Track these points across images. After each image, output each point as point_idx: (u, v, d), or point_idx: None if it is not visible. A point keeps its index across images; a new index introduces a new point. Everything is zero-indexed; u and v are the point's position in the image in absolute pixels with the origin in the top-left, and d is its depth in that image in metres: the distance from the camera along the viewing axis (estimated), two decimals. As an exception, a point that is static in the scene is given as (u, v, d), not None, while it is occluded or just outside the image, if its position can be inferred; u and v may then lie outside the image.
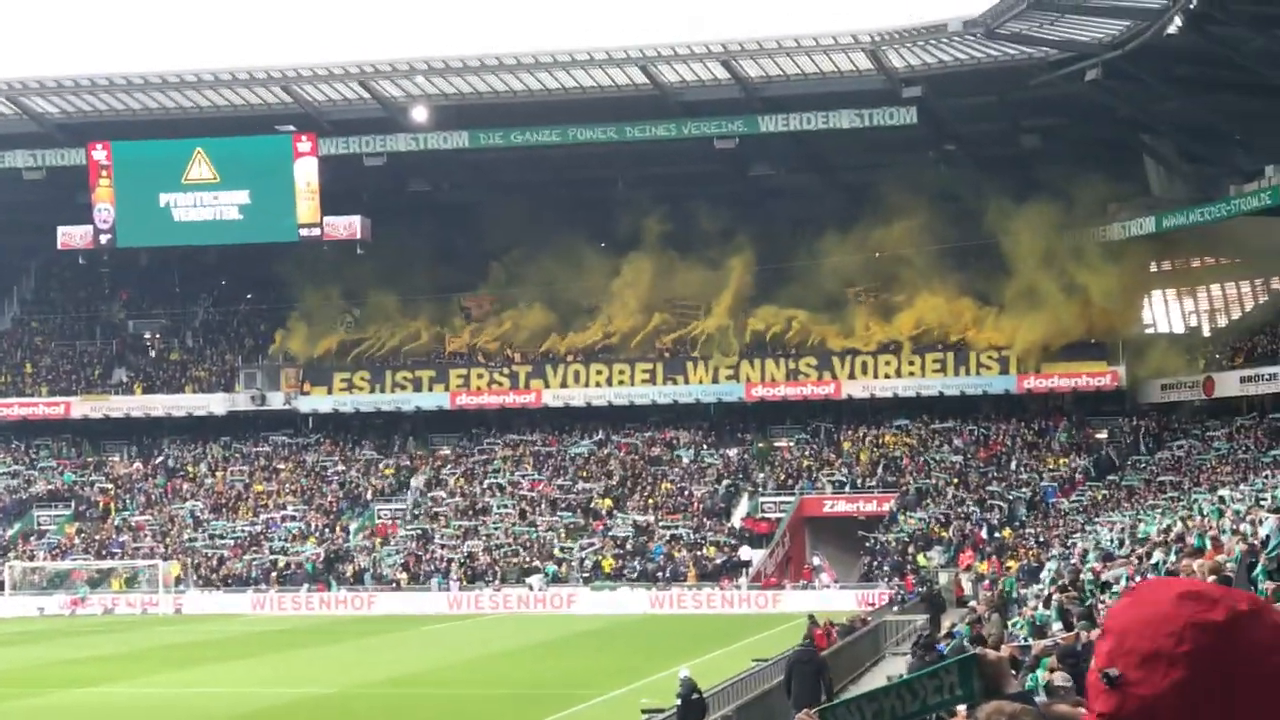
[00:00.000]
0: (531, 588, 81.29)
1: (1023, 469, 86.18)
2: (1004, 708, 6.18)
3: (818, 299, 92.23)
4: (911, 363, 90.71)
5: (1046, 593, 37.23)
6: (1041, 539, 74.23)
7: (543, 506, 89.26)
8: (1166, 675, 3.31)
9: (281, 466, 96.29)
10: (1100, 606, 25.13)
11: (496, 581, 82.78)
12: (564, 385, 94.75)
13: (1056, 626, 26.93)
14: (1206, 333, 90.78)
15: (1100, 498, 79.00)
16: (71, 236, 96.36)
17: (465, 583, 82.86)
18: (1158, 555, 33.30)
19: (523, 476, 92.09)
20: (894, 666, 38.04)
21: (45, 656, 59.05)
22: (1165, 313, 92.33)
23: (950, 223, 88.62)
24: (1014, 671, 9.07)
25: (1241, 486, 58.72)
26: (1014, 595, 52.78)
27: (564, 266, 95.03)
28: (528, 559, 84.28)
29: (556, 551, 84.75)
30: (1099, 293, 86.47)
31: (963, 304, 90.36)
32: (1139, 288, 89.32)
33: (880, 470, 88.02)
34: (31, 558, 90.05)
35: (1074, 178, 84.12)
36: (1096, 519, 70.87)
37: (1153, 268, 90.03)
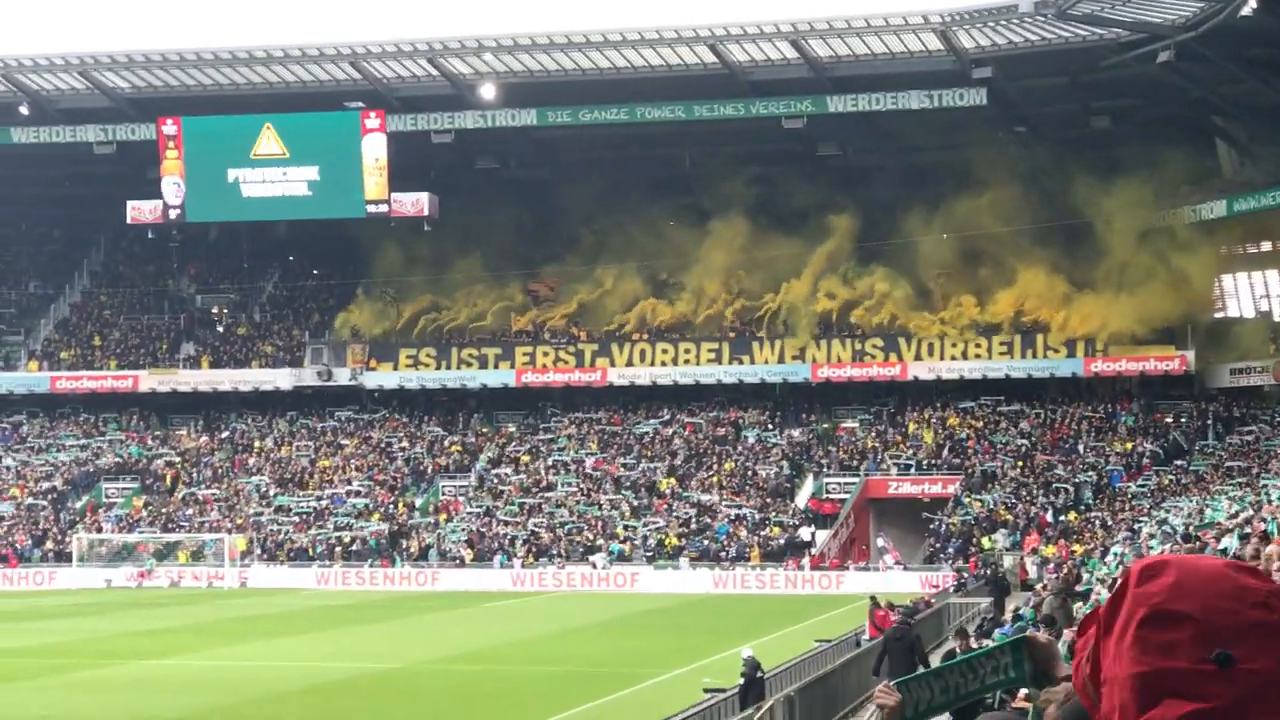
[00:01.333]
0: (595, 566, 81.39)
1: (1089, 452, 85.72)
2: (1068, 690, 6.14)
3: (908, 279, 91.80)
4: (978, 345, 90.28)
5: (1113, 577, 37.02)
6: (1107, 523, 73.84)
7: (607, 485, 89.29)
8: (1273, 647, 3.18)
9: (346, 442, 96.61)
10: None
11: (560, 559, 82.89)
12: (630, 364, 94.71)
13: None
14: (1278, 317, 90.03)
15: (1167, 482, 78.51)
16: (141, 211, 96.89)
17: (529, 560, 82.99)
18: (1226, 541, 33.08)
19: (587, 455, 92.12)
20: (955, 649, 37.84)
21: (112, 628, 59.41)
22: (1236, 297, 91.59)
23: (1032, 204, 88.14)
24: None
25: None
26: (1090, 574, 52.39)
27: (632, 245, 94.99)
28: (591, 537, 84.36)
29: (620, 530, 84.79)
30: (1171, 277, 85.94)
31: (1056, 285, 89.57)
32: (1210, 272, 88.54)
33: (945, 452, 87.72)
34: (99, 530, 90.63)
35: (1144, 160, 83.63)
36: (1163, 504, 70.49)
37: (1223, 251, 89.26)
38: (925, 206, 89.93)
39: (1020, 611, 39.30)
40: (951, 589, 61.90)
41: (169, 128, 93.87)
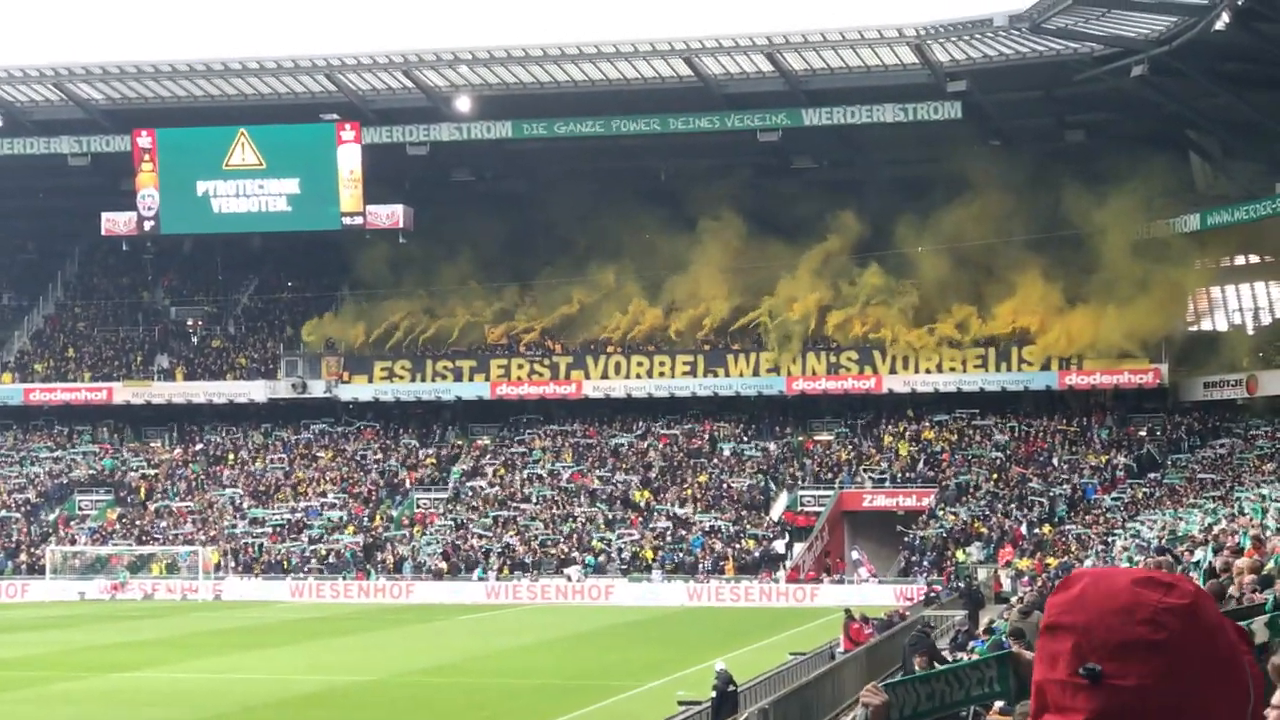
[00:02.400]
0: (569, 578, 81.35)
1: (1063, 466, 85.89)
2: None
3: (903, 293, 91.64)
4: (953, 358, 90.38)
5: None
6: (1081, 536, 73.98)
7: (581, 497, 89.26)
8: (1148, 664, 3.20)
9: (321, 454, 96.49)
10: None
11: (534, 572, 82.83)
12: (604, 376, 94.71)
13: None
14: (1250, 331, 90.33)
15: (1141, 495, 78.69)
16: (115, 223, 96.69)
17: (504, 573, 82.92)
18: (1199, 554, 33.15)
19: (562, 467, 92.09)
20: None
21: (85, 641, 59.26)
22: (1209, 310, 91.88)
23: (1017, 216, 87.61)
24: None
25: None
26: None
27: (610, 257, 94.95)
28: (566, 550, 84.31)
29: (595, 543, 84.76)
30: (1148, 291, 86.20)
31: (1051, 298, 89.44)
32: (1184, 285, 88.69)
33: (920, 465, 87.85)
34: (72, 542, 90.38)
35: (1118, 174, 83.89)
36: (1137, 516, 70.67)
37: (1197, 265, 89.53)
38: (911, 219, 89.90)
39: (994, 624, 39.36)
40: (921, 602, 61.91)
41: (143, 139, 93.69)
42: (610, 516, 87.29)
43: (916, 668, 26.19)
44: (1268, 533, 32.41)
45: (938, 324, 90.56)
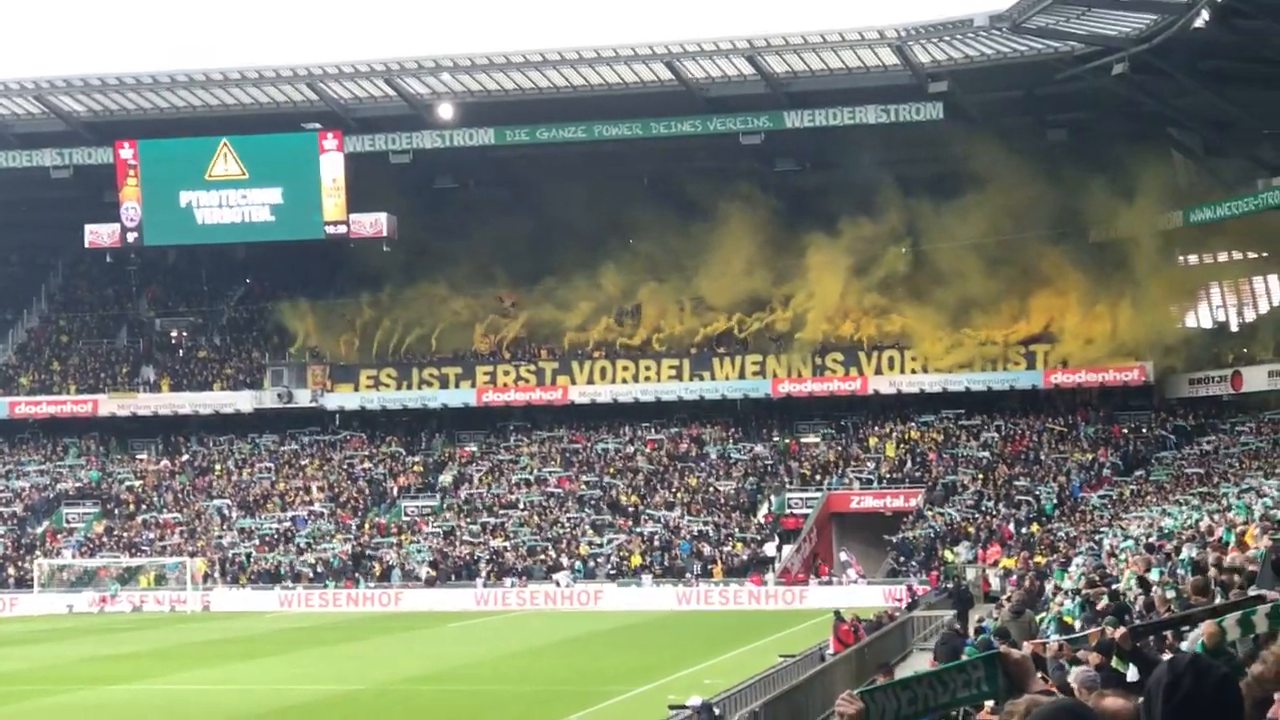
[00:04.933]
0: (558, 584, 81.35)
1: (1050, 464, 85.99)
2: (1039, 701, 6.18)
3: (930, 298, 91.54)
4: (939, 359, 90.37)
5: (1075, 587, 37.15)
6: (1069, 534, 74.03)
7: (569, 503, 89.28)
8: None
9: (308, 464, 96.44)
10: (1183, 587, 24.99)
11: (523, 578, 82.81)
12: (590, 382, 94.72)
13: (1081, 623, 26.84)
14: (1235, 327, 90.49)
15: (1128, 493, 78.78)
16: (99, 235, 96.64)
17: (492, 579, 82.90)
18: (1186, 551, 33.21)
19: (550, 473, 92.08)
20: (921, 662, 38.02)
21: (74, 654, 59.21)
22: (1194, 308, 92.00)
23: (1012, 216, 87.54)
24: (1039, 670, 9.08)
25: (1271, 481, 58.56)
26: (1054, 584, 52.47)
27: (595, 263, 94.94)
28: (554, 555, 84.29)
29: (583, 548, 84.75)
30: (1135, 289, 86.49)
31: (1070, 300, 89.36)
32: (1168, 283, 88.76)
33: (907, 466, 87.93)
34: (59, 555, 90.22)
35: (1100, 173, 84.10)
36: (1124, 514, 70.74)
37: (1180, 262, 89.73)
38: (908, 219, 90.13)
39: (983, 624, 39.42)
40: (904, 605, 61.77)
41: (125, 151, 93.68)
42: (598, 521, 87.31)
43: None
44: (1254, 529, 32.47)
45: (965, 330, 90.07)
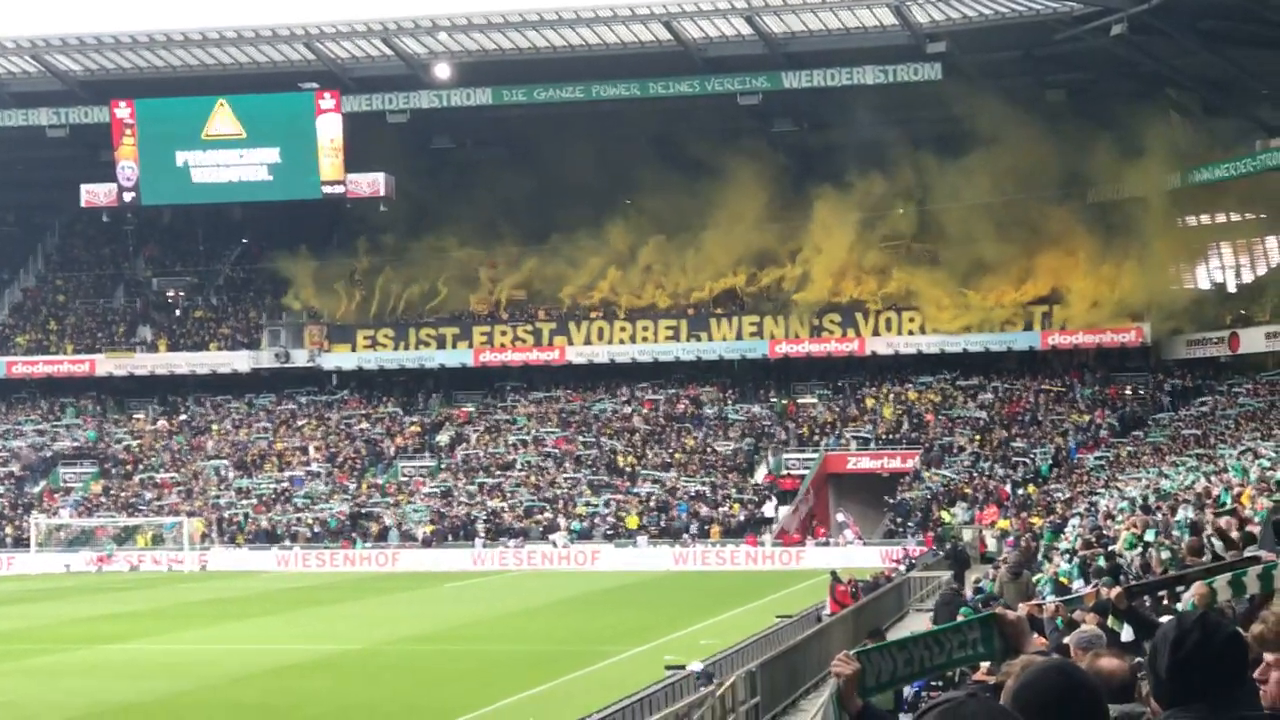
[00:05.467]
0: (555, 544, 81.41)
1: (1047, 426, 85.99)
2: (1034, 661, 6.17)
3: (938, 261, 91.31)
4: (934, 319, 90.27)
5: (1071, 548, 37.18)
6: (1065, 495, 74.05)
7: (567, 463, 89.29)
8: None
9: (305, 424, 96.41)
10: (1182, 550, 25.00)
11: (520, 538, 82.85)
12: (588, 342, 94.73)
13: (1078, 584, 26.85)
14: (1232, 288, 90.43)
15: (1125, 454, 78.76)
16: (95, 194, 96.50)
17: (489, 539, 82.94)
18: (1182, 512, 33.24)
19: (547, 433, 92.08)
20: (917, 623, 38.08)
21: (72, 613, 59.26)
22: (1191, 268, 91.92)
23: (1016, 176, 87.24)
24: (1034, 630, 9.08)
25: (1268, 442, 58.59)
26: (1050, 545, 52.51)
27: (592, 222, 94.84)
28: (551, 516, 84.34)
29: (580, 508, 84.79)
30: (1139, 250, 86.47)
31: (1075, 259, 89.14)
32: (1168, 244, 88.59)
33: (904, 427, 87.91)
34: (57, 515, 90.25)
35: (1098, 133, 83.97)
36: (1121, 475, 70.73)
37: (1179, 223, 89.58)
38: (914, 177, 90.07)
39: (980, 584, 39.47)
40: (901, 567, 61.75)
41: (121, 110, 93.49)
42: (595, 482, 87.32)
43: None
44: (1250, 491, 32.51)
45: (974, 291, 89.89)
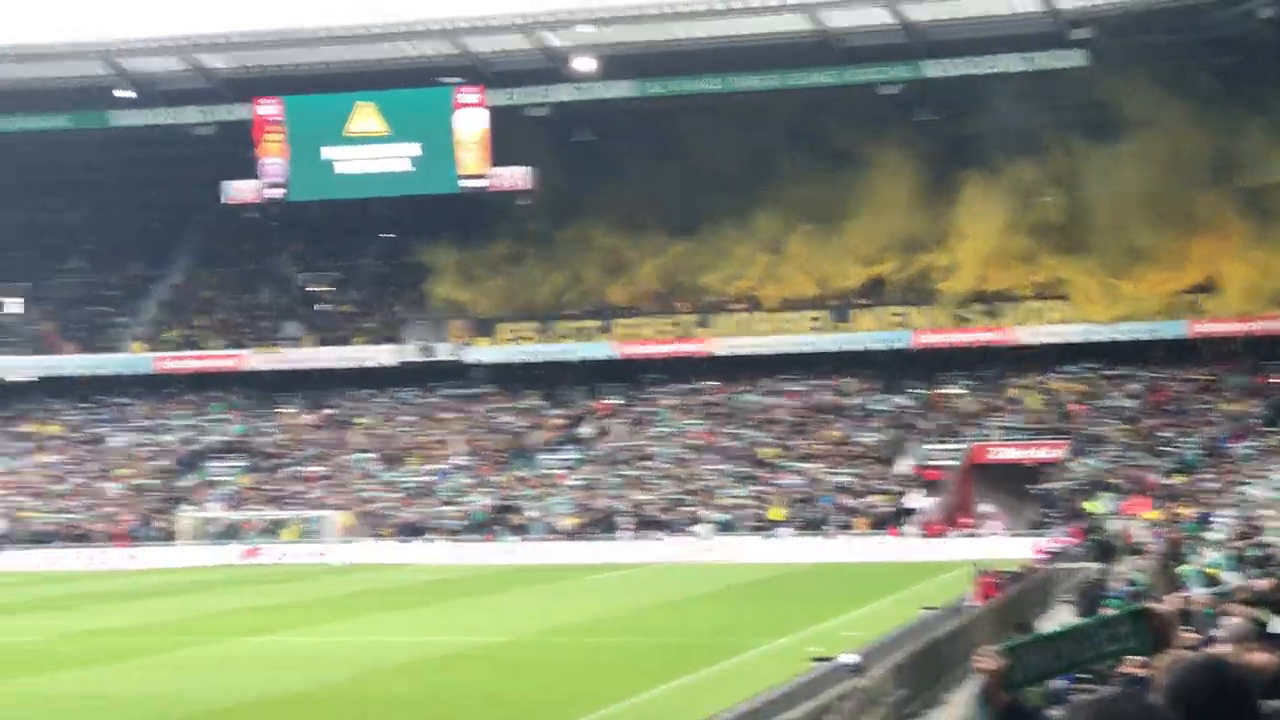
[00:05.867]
0: (699, 536, 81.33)
1: (1195, 415, 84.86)
2: (1183, 657, 6.04)
3: (1075, 246, 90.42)
4: (1085, 309, 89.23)
5: (1221, 540, 36.68)
6: (1214, 486, 73.12)
7: (710, 455, 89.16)
8: None
9: (449, 417, 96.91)
10: None
11: (663, 531, 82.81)
12: (730, 334, 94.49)
13: (1229, 575, 26.46)
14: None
15: (1275, 444, 77.62)
16: (241, 191, 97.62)
17: (634, 532, 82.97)
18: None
19: (690, 425, 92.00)
20: (1063, 615, 37.66)
21: (220, 606, 59.84)
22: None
23: (1173, 161, 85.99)
24: (1184, 624, 8.92)
25: None
26: (1196, 536, 51.93)
27: (737, 213, 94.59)
28: (695, 508, 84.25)
29: (724, 500, 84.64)
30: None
31: (1230, 243, 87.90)
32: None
33: (1050, 417, 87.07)
34: (205, 508, 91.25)
35: (1246, 116, 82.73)
36: (1270, 466, 69.79)
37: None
38: (1062, 165, 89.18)
39: (1129, 576, 38.99)
40: (1047, 558, 61.09)
41: (266, 107, 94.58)
42: (738, 474, 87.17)
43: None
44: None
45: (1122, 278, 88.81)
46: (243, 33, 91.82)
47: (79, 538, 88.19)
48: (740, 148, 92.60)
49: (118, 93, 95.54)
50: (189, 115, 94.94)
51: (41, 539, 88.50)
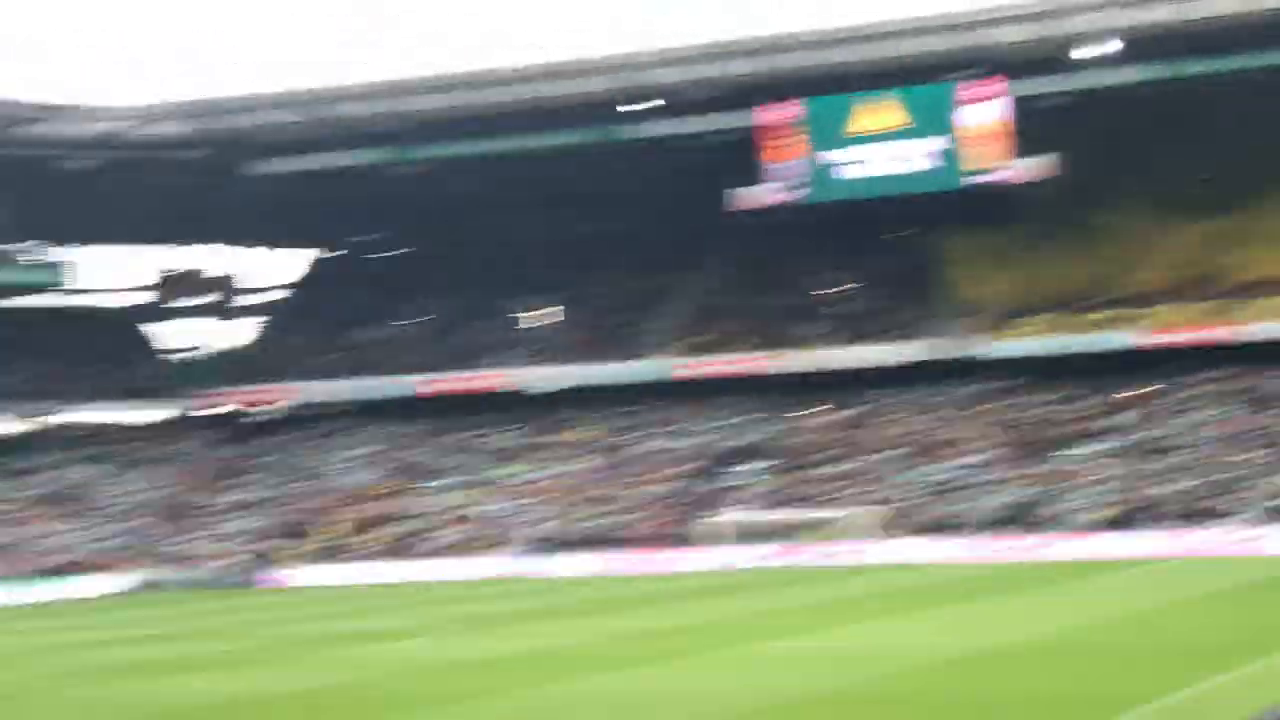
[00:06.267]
0: (1245, 523, 78.18)
1: None
2: None
3: None
4: None
5: None
6: None
7: (1247, 442, 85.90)
8: None
9: (975, 411, 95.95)
10: None
11: (1202, 521, 79.88)
12: (1264, 319, 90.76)
13: None
14: None
15: None
16: (751, 196, 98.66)
17: (1168, 523, 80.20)
18: None
19: (1226, 414, 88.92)
20: None
21: (755, 606, 60.11)
22: None
23: None
24: None
25: None
26: None
27: (1270, 199, 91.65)
28: (1232, 498, 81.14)
29: (1267, 488, 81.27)
30: None
31: None
32: None
33: None
34: (732, 511, 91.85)
35: None
36: None
37: None
38: None
39: None
40: None
41: (784, 110, 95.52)
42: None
43: None
44: None
45: None
46: (761, 38, 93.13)
47: (612, 543, 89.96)
48: (1273, 125, 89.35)
49: (622, 108, 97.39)
50: (694, 124, 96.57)
51: (580, 543, 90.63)
